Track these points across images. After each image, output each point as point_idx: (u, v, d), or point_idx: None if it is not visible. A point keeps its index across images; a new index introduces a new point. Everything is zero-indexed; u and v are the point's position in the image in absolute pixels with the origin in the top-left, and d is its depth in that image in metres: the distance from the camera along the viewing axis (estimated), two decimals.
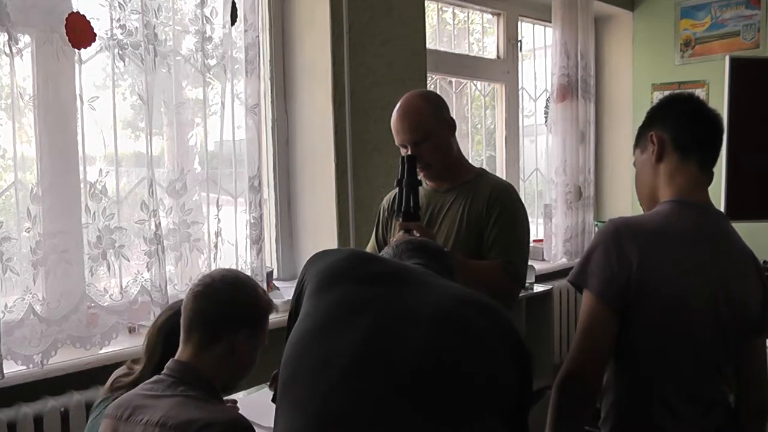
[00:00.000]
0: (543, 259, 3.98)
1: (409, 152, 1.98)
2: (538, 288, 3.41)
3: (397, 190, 1.93)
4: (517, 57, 4.03)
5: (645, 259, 1.38)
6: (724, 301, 1.42)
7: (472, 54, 3.84)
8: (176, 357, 1.41)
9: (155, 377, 1.39)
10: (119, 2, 2.17)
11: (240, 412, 1.42)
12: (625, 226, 1.44)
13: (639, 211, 1.66)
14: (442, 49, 3.62)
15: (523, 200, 2.14)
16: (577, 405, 1.41)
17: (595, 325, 1.40)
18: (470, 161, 2.26)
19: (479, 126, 4.03)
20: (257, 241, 2.58)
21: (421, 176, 2.01)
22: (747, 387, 1.51)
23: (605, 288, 1.39)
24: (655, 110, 1.58)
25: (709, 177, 1.52)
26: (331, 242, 2.78)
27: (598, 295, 1.40)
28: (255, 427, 1.31)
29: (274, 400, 1.27)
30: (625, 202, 4.47)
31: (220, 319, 1.40)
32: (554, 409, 1.42)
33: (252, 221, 2.58)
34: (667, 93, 4.22)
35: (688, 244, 1.43)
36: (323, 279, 1.28)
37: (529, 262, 2.33)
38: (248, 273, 2.51)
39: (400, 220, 1.88)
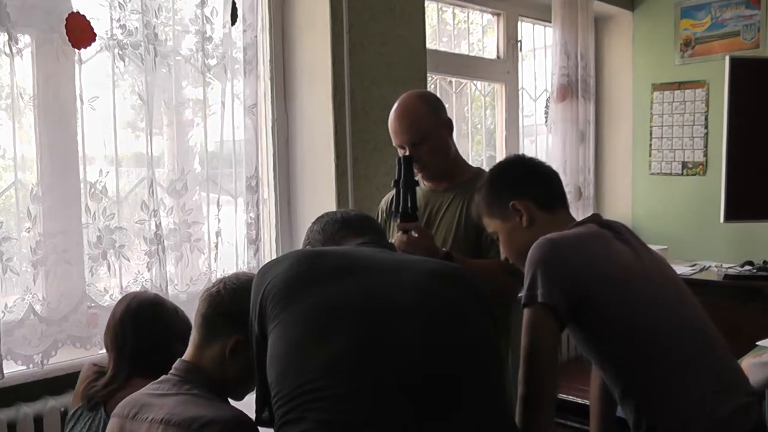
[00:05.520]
0: None
1: (407, 153, 1.98)
2: None
3: (394, 191, 1.93)
4: (517, 57, 4.03)
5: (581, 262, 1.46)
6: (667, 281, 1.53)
7: (472, 54, 3.83)
8: (183, 357, 1.42)
9: (162, 377, 1.40)
10: (119, 2, 2.17)
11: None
12: (552, 239, 1.49)
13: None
14: (442, 49, 3.62)
15: None
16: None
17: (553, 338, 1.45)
18: (470, 161, 2.26)
19: (479, 126, 4.03)
20: (254, 241, 2.58)
21: (419, 177, 2.01)
22: None
23: (556, 296, 1.43)
24: (499, 181, 1.69)
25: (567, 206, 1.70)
26: None
27: (548, 305, 1.42)
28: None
29: (260, 423, 1.27)
30: (625, 202, 4.47)
31: (213, 322, 1.40)
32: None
33: (249, 221, 2.58)
34: (667, 93, 4.25)
35: (608, 242, 1.53)
36: (284, 291, 1.25)
37: None
38: None
39: (398, 221, 1.88)
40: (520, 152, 4.10)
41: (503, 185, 1.66)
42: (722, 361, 1.48)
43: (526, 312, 1.44)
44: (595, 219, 1.62)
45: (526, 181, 1.66)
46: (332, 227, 1.51)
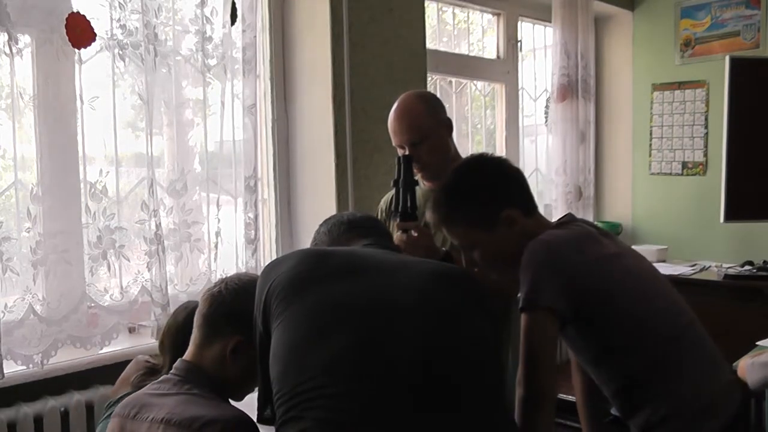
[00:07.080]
0: None
1: (407, 153, 1.98)
2: None
3: (394, 191, 1.93)
4: (517, 57, 4.03)
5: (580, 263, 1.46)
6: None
7: (472, 54, 3.84)
8: (183, 357, 1.42)
9: (163, 377, 1.40)
10: (119, 2, 2.17)
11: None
12: (548, 241, 1.50)
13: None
14: (442, 49, 3.62)
15: None
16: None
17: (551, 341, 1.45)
18: None
19: (479, 126, 4.03)
20: (253, 241, 2.58)
21: (418, 176, 2.01)
22: None
23: (558, 299, 1.44)
24: (480, 190, 1.59)
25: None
26: None
27: (549, 308, 1.43)
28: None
29: (262, 421, 1.26)
30: (625, 202, 4.47)
31: (214, 322, 1.40)
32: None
33: (248, 221, 2.58)
34: (667, 93, 4.25)
35: (596, 238, 1.54)
36: (288, 289, 1.25)
37: None
38: None
39: (398, 220, 1.88)
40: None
41: (488, 194, 1.58)
42: (709, 349, 1.53)
43: (524, 316, 1.43)
44: (573, 218, 1.63)
45: (508, 187, 1.60)
46: (338, 229, 1.52)
